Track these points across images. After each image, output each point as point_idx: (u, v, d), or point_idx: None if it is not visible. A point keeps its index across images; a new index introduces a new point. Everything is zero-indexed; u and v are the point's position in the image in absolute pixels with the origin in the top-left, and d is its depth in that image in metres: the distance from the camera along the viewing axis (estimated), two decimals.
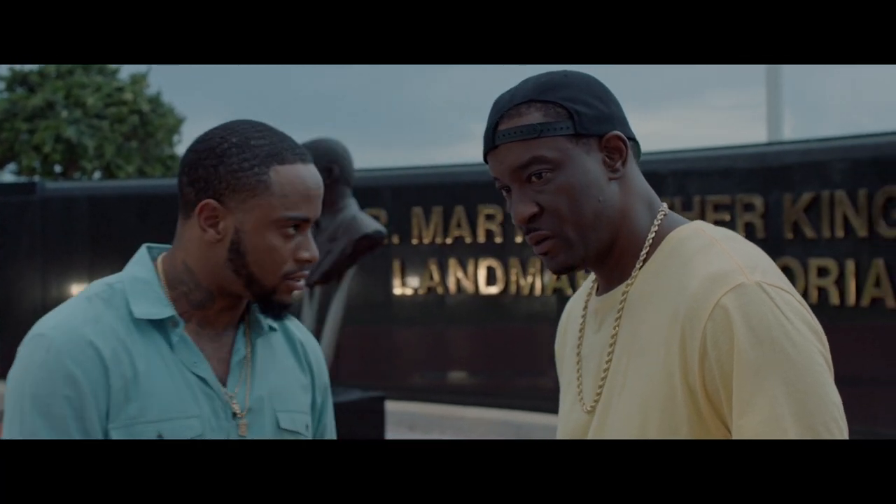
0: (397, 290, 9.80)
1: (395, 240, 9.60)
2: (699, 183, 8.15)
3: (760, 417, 1.48)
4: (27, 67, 19.28)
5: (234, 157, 1.78)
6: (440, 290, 9.57)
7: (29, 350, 1.75)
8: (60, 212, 11.80)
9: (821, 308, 7.43)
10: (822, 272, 7.53)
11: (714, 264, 1.56)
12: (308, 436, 1.92)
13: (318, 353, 2.01)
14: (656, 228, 1.67)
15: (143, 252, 1.89)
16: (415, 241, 9.65)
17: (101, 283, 1.84)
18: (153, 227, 9.45)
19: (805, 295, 7.49)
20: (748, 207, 7.91)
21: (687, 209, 8.09)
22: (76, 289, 11.10)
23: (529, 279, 9.12)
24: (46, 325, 1.76)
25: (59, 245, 11.73)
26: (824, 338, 1.56)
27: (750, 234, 7.82)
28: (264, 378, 1.88)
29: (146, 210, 10.94)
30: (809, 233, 7.64)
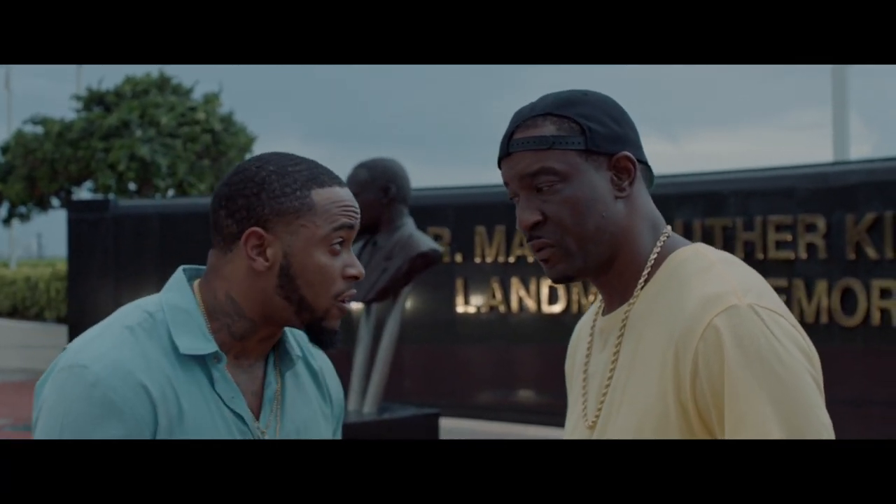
0: (460, 309, 9.84)
1: (459, 258, 9.65)
2: (761, 203, 8.10)
3: (749, 436, 1.52)
4: (104, 87, 19.65)
5: (275, 182, 1.77)
6: (503, 308, 9.60)
7: (68, 382, 1.69)
8: (132, 228, 12.07)
9: (883, 330, 7.35)
10: (885, 293, 7.45)
11: (710, 286, 1.61)
12: None
13: (335, 379, 2.02)
14: (658, 249, 1.71)
15: (180, 276, 1.85)
16: (478, 260, 9.69)
17: (140, 311, 1.79)
18: None
19: (867, 316, 7.42)
20: (810, 228, 7.85)
21: (749, 229, 8.05)
22: None
23: (591, 297, 9.12)
24: (86, 357, 1.70)
25: (130, 260, 12.01)
26: (816, 360, 1.59)
27: (812, 254, 7.76)
28: (293, 411, 1.88)
29: None
30: (872, 253, 7.56)
